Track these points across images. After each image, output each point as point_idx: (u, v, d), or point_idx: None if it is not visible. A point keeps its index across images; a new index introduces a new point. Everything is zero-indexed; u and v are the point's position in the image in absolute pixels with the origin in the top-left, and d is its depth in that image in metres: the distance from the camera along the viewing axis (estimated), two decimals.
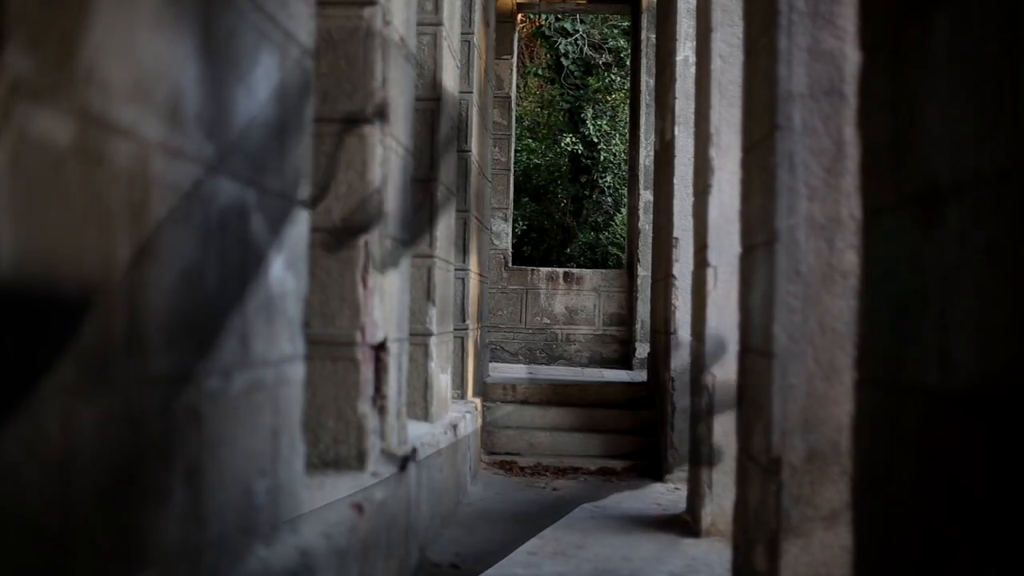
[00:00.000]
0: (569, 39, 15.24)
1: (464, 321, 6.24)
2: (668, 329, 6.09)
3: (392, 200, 3.35)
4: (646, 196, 9.69)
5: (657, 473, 6.22)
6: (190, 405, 1.57)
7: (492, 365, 8.85)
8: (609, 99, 15.34)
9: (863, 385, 1.73)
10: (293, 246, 2.07)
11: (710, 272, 4.53)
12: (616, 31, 15.11)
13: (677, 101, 6.07)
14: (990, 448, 1.16)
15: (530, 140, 15.38)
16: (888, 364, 1.58)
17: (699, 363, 4.75)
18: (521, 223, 14.73)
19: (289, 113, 2.04)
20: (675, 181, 6.07)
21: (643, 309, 9.80)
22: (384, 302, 3.30)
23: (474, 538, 4.53)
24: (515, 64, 10.99)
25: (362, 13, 3.23)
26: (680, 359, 5.86)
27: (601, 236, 15.02)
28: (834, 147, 2.67)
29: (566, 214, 15.40)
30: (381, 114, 3.22)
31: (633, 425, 7.03)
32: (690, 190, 5.49)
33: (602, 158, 15.15)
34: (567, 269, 11.11)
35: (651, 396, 7.12)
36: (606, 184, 15.13)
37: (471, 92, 6.11)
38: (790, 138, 2.68)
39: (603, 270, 11.52)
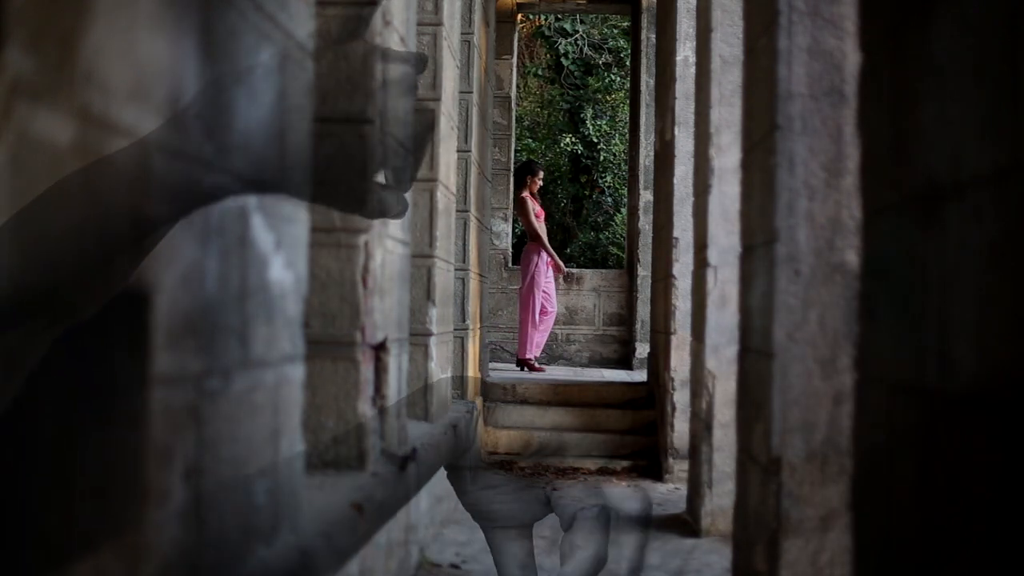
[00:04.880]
0: (569, 39, 15.25)
1: (464, 321, 6.24)
2: (668, 329, 6.09)
3: None
4: (646, 196, 9.69)
5: (657, 473, 6.21)
6: (190, 405, 1.57)
7: (492, 365, 8.85)
8: (609, 99, 15.35)
9: (863, 385, 1.73)
10: (293, 246, 2.07)
11: (710, 272, 4.53)
12: (616, 31, 15.11)
13: (677, 101, 6.07)
14: (990, 448, 1.16)
15: (530, 140, 15.38)
16: (888, 364, 1.58)
17: (699, 363, 4.75)
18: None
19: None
20: (675, 181, 6.07)
21: (643, 309, 9.80)
22: (384, 302, 3.30)
23: (474, 538, 4.52)
24: (515, 64, 10.99)
25: (362, 13, 3.23)
26: (680, 359, 5.86)
27: (601, 236, 15.03)
28: (834, 147, 2.67)
29: (566, 214, 15.40)
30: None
31: (633, 425, 7.03)
32: (690, 190, 5.49)
33: (602, 158, 15.16)
34: (567, 269, 11.11)
35: (651, 396, 7.12)
36: (606, 184, 15.14)
37: (471, 92, 6.11)
38: (790, 138, 2.68)
39: (603, 270, 11.52)
